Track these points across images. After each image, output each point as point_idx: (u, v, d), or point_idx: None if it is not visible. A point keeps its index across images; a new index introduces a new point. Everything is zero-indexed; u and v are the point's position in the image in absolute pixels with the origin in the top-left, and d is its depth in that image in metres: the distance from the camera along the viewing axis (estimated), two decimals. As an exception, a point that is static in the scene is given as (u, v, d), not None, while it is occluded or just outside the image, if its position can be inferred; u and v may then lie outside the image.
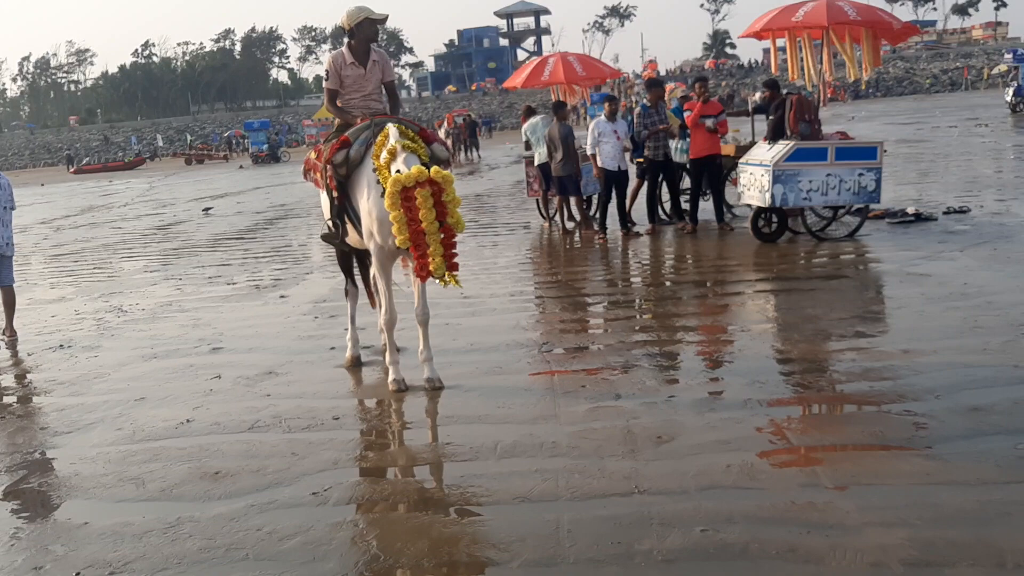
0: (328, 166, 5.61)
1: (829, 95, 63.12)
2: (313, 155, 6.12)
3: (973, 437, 4.45)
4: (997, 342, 5.92)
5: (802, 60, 11.15)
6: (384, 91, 6.12)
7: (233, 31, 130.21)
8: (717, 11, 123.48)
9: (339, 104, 6.01)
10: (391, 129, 5.27)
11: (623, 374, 5.96)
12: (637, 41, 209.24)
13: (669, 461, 4.44)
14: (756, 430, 4.76)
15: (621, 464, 4.44)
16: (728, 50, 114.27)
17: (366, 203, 5.48)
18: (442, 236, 5.07)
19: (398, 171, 5.02)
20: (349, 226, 5.86)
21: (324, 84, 6.03)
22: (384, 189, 5.09)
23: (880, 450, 4.44)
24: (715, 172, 11.62)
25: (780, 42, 12.34)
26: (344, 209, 5.78)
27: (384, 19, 5.94)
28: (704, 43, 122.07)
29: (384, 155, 5.18)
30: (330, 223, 6.00)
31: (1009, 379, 5.22)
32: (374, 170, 5.31)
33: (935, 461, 4.22)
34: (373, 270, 6.07)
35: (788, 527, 3.67)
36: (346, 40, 5.99)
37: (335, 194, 5.71)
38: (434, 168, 4.99)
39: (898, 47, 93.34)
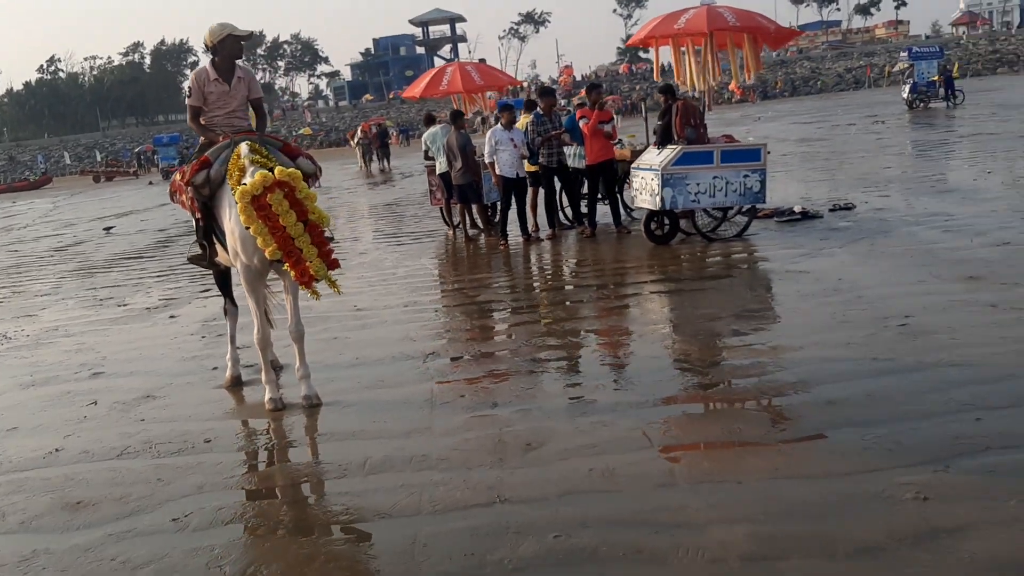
0: (189, 187, 5.53)
1: (738, 96, 64.60)
2: (178, 177, 6.02)
3: (825, 430, 4.61)
4: (861, 336, 6.14)
5: (698, 65, 11.42)
6: (251, 108, 6.06)
7: (142, 44, 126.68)
8: (630, 16, 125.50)
9: (202, 122, 5.93)
10: (242, 147, 5.22)
11: (504, 382, 6.01)
12: (553, 47, 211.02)
13: (534, 469, 4.49)
14: (623, 433, 4.84)
15: (487, 474, 4.47)
16: (642, 54, 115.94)
17: (229, 223, 5.41)
18: (310, 236, 5.01)
19: (243, 184, 4.95)
20: (219, 246, 5.79)
21: (186, 101, 5.93)
22: None
23: (737, 447, 4.57)
24: (611, 177, 11.83)
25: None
26: (211, 230, 5.70)
27: (248, 36, 5.88)
28: (618, 48, 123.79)
29: (237, 174, 5.12)
30: (198, 245, 5.92)
31: (866, 372, 5.42)
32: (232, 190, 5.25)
33: (785, 456, 4.36)
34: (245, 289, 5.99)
35: (638, 529, 3.75)
36: (209, 57, 5.91)
37: (199, 215, 5.63)
38: (278, 168, 4.92)
39: (804, 47, 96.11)
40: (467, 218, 12.98)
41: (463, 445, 4.90)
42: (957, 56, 63.55)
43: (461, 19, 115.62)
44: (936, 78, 34.90)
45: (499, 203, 12.28)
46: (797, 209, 11.65)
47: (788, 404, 5.05)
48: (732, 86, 11.94)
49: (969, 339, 5.80)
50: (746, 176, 10.21)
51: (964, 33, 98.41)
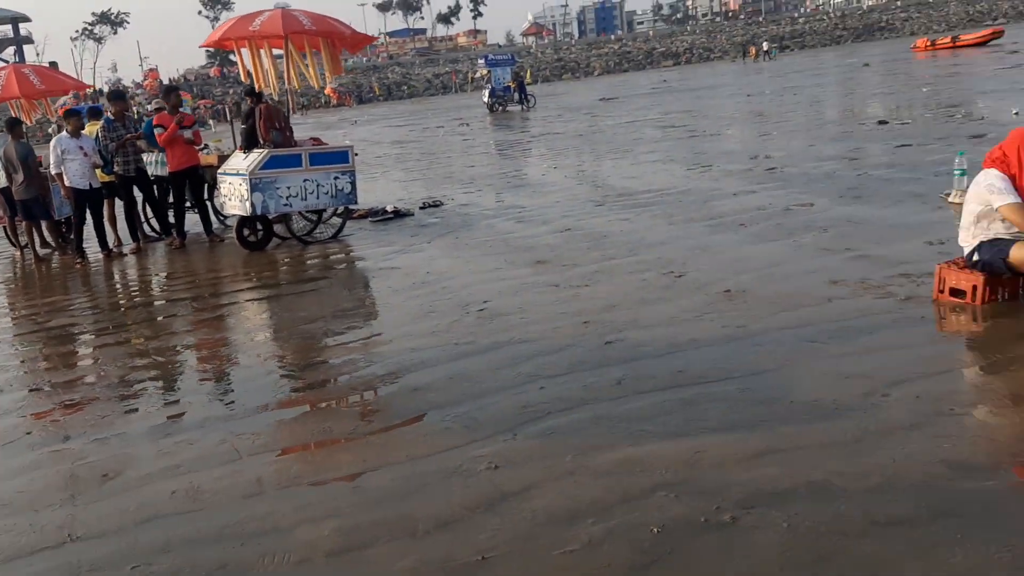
0: None
1: (336, 101, 65.22)
2: None
3: (411, 416, 4.81)
4: (445, 323, 6.50)
5: (277, 68, 11.30)
6: None
7: None
8: (216, 18, 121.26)
9: None
10: None
11: (78, 412, 5.49)
12: (136, 49, 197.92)
13: (111, 500, 4.15)
14: (210, 449, 4.65)
15: (57, 513, 4.05)
16: (233, 57, 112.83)
17: None
18: None
19: None
20: None
21: None
22: None
23: (327, 445, 4.59)
24: (197, 184, 11.35)
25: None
26: None
27: None
28: (208, 51, 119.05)
29: None
30: None
31: (449, 356, 5.74)
32: None
33: (373, 447, 4.47)
34: None
35: (223, 544, 3.61)
36: None
37: None
38: None
39: (395, 53, 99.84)
40: (36, 236, 11.69)
41: (28, 486, 4.40)
42: (528, 64, 69.89)
43: (25, 19, 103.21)
44: (511, 84, 38.10)
45: (72, 218, 11.20)
46: (389, 208, 12.05)
47: (377, 396, 5.20)
48: (328, 90, 12.00)
49: (536, 317, 6.40)
50: (337, 178, 10.33)
51: (533, 42, 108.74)
